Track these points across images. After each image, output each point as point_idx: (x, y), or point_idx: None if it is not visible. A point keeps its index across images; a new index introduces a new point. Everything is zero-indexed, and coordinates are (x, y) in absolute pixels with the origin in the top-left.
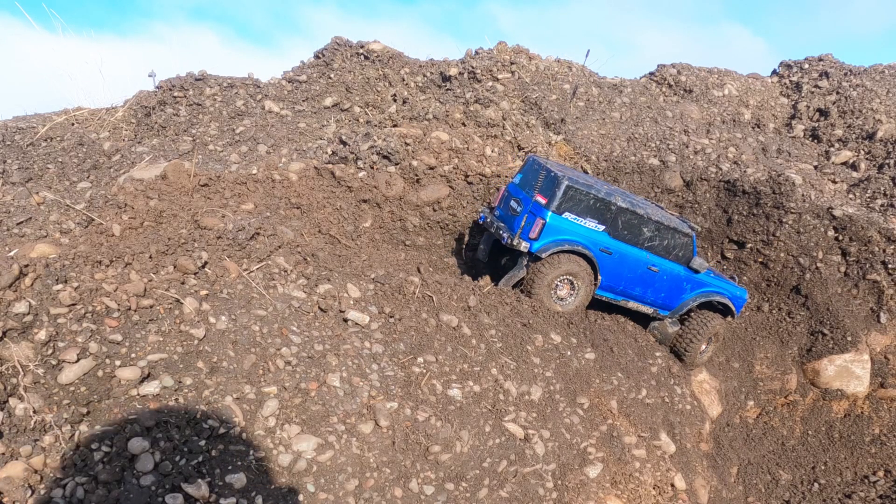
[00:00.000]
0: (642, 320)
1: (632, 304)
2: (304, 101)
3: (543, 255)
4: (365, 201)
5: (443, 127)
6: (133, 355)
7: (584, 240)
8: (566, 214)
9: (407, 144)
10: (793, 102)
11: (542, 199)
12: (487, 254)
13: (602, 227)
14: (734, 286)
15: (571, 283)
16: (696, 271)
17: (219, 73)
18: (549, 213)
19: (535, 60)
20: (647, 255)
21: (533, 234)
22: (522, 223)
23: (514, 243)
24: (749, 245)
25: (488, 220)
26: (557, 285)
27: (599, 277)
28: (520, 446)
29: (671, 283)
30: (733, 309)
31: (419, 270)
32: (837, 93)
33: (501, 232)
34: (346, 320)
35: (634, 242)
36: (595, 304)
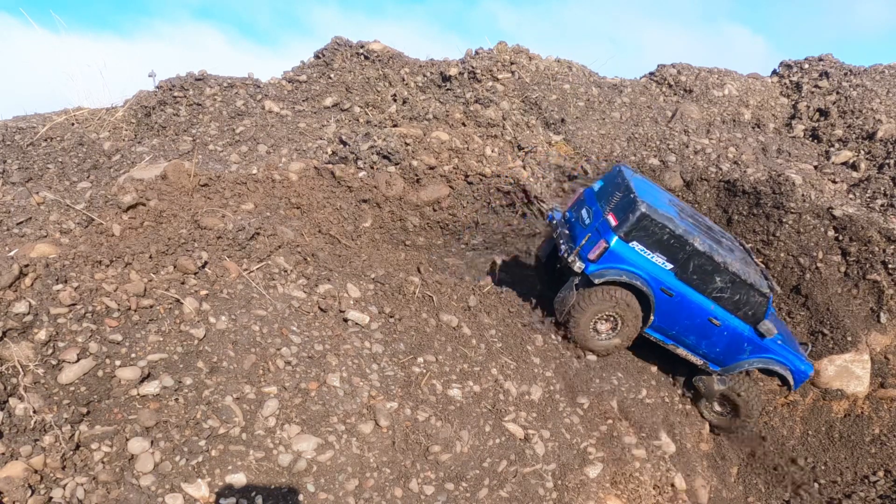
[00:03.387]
0: (682, 363)
1: (681, 351)
2: (304, 101)
3: (596, 281)
4: (365, 201)
5: (443, 127)
6: (133, 355)
7: (645, 275)
8: (634, 244)
9: (407, 144)
10: (793, 102)
11: (612, 220)
12: (547, 254)
13: (670, 266)
14: (800, 358)
15: (615, 320)
16: (762, 336)
17: (221, 72)
18: (616, 238)
19: (535, 60)
20: (713, 305)
21: (592, 256)
22: (585, 240)
23: (570, 260)
24: (749, 245)
25: (555, 221)
26: (600, 319)
27: (652, 318)
28: (520, 446)
29: (730, 341)
30: (791, 383)
31: (419, 270)
32: (837, 93)
33: (562, 241)
34: (346, 320)
35: (702, 290)
36: (640, 343)
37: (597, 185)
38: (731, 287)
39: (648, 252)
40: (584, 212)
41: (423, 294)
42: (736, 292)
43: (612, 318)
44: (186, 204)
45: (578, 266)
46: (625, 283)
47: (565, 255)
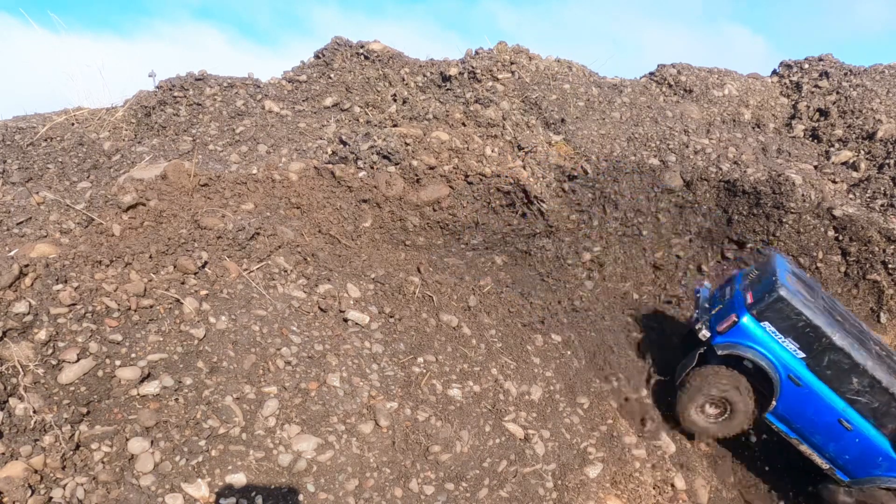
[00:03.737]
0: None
1: (804, 449)
2: (304, 101)
3: (720, 352)
4: (365, 201)
5: (443, 127)
6: (133, 355)
7: (773, 358)
8: (766, 324)
9: (407, 144)
10: (793, 102)
11: (748, 297)
12: (689, 328)
13: (802, 355)
14: None
15: (725, 405)
16: None
17: (221, 72)
18: (747, 315)
19: (535, 60)
20: (845, 407)
21: (720, 328)
22: (717, 310)
23: (698, 327)
24: (749, 245)
25: (700, 297)
26: (711, 403)
27: (774, 403)
28: (520, 446)
29: (862, 450)
30: None
31: (419, 270)
32: (837, 93)
33: (696, 308)
34: (346, 320)
35: (835, 388)
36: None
37: (750, 268)
38: (869, 391)
39: (780, 336)
40: (727, 289)
41: (423, 294)
42: (875, 399)
43: (722, 405)
44: (186, 204)
45: (704, 334)
46: (748, 360)
47: (695, 322)
